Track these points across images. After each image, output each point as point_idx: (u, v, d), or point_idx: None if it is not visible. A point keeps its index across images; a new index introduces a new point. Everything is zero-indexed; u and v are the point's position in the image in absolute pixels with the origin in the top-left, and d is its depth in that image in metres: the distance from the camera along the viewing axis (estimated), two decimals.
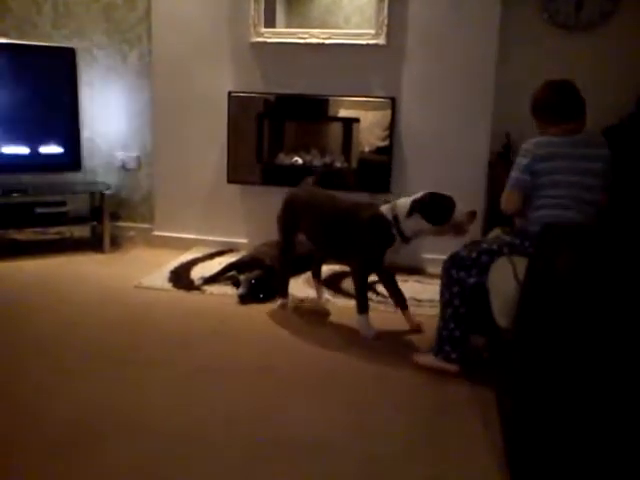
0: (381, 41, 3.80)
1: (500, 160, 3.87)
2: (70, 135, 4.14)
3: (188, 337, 2.77)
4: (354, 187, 3.83)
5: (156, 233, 4.32)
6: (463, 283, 2.39)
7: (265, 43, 3.95)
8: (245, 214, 4.17)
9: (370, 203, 2.89)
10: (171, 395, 2.25)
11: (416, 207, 2.62)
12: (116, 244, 4.25)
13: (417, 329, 2.86)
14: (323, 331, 2.89)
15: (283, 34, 3.95)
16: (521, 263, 2.07)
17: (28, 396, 2.20)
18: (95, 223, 4.14)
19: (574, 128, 2.38)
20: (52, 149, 4.11)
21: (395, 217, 2.68)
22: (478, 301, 2.34)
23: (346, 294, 3.36)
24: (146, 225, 4.40)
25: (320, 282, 3.26)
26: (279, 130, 4.19)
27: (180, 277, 3.57)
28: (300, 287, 3.40)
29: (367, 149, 3.89)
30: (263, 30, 3.95)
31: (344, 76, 3.89)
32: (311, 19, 4.08)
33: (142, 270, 3.67)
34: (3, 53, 3.91)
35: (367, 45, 3.82)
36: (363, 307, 2.83)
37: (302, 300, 3.25)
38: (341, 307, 3.19)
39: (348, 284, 3.51)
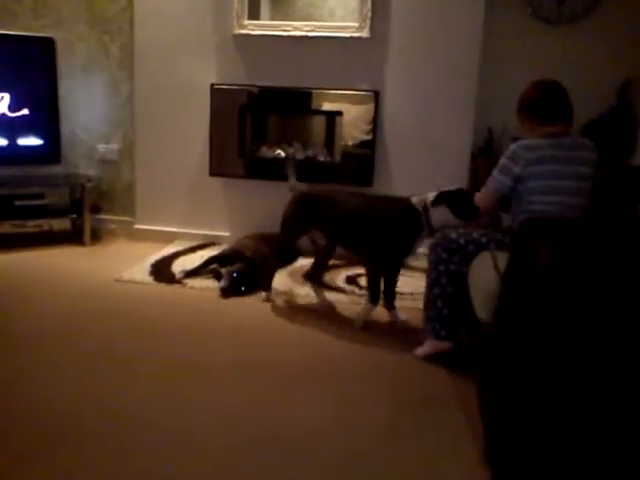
0: (365, 34, 3.78)
1: (482, 154, 3.88)
2: (49, 127, 4.08)
3: (170, 331, 2.74)
4: (337, 180, 3.82)
5: (137, 226, 4.28)
6: (447, 265, 2.41)
7: (248, 35, 3.92)
8: (227, 207, 4.14)
9: (398, 196, 2.87)
10: (155, 390, 2.22)
11: (443, 197, 2.63)
12: (97, 237, 4.20)
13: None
14: (307, 325, 2.88)
15: (266, 26, 3.92)
16: (502, 257, 2.08)
17: (5, 390, 2.17)
18: (75, 216, 4.08)
19: (561, 130, 2.36)
20: (31, 141, 4.05)
21: (425, 208, 2.68)
22: (456, 288, 2.36)
23: (328, 288, 3.35)
24: (127, 218, 4.35)
25: (321, 286, 3.23)
26: (262, 123, 4.17)
27: (161, 270, 3.54)
28: (283, 280, 3.38)
29: (350, 143, 3.88)
30: (246, 22, 3.92)
31: (328, 69, 3.87)
32: (295, 11, 4.05)
33: (123, 263, 3.64)
34: None
35: (351, 38, 3.80)
36: (374, 298, 2.85)
37: (285, 293, 3.24)
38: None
39: (330, 277, 3.51)
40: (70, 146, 4.31)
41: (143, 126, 4.18)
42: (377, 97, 3.80)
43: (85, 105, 4.32)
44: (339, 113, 3.86)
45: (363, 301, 2.91)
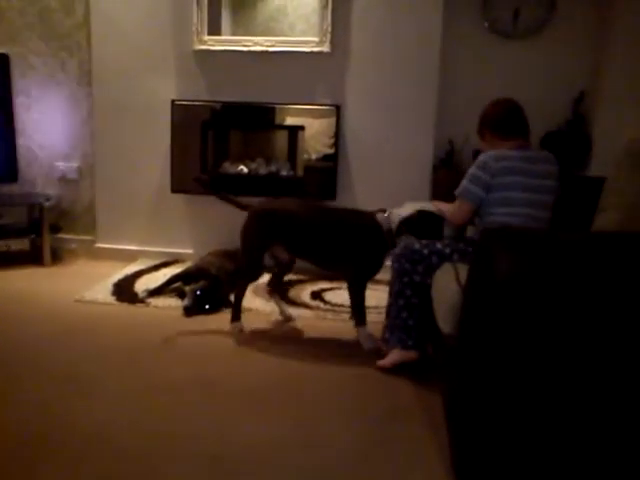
0: (325, 49, 3.81)
1: (444, 166, 3.93)
2: (5, 145, 4.00)
3: (132, 352, 2.69)
4: (300, 194, 3.82)
5: (99, 245, 4.21)
6: (411, 276, 2.41)
7: (209, 51, 3.91)
8: (190, 224, 4.10)
9: (364, 211, 2.82)
10: (116, 412, 2.17)
11: (405, 228, 2.62)
12: (57, 257, 4.11)
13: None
14: (270, 342, 2.85)
15: (227, 42, 3.92)
16: (464, 269, 2.09)
17: None
18: (34, 236, 4.00)
19: (522, 144, 2.44)
20: None
21: (389, 230, 2.67)
22: (420, 299, 2.37)
23: (293, 303, 3.34)
24: (88, 237, 4.28)
25: (280, 296, 3.18)
26: (224, 139, 4.16)
27: (124, 290, 3.48)
28: (247, 297, 3.34)
29: (313, 157, 3.89)
30: (207, 38, 3.91)
31: (289, 84, 3.88)
32: (256, 26, 4.05)
33: (84, 284, 3.56)
34: None
35: (311, 53, 3.82)
36: (363, 318, 2.78)
37: (249, 310, 3.20)
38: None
39: (295, 293, 3.50)
40: (27, 165, 4.24)
41: (103, 143, 4.13)
42: (338, 111, 3.82)
43: (43, 123, 4.25)
44: (301, 128, 3.87)
45: (355, 327, 2.81)
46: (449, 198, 2.59)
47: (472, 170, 2.39)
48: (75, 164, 4.27)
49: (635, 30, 3.57)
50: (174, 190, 4.02)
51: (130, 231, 4.16)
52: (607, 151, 3.50)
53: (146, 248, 4.15)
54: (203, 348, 2.76)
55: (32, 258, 4.01)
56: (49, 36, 4.15)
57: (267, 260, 2.98)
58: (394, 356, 2.50)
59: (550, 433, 1.55)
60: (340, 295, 3.44)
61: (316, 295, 3.48)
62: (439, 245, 2.42)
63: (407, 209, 2.67)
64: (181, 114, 3.95)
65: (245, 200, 3.04)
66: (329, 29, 3.78)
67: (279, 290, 3.18)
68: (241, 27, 4.11)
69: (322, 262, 2.91)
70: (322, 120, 3.85)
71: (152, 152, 4.07)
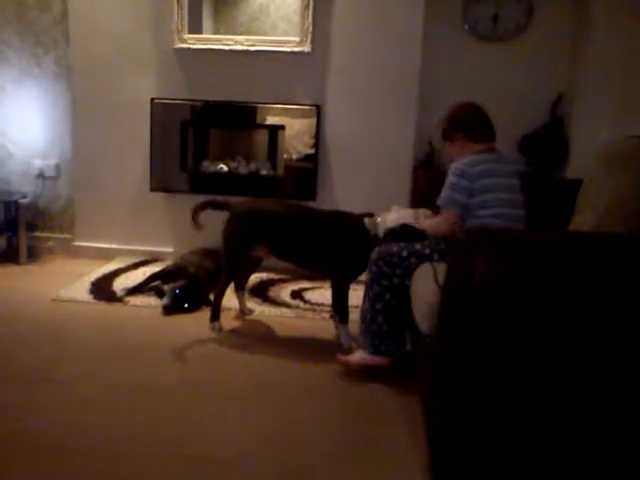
0: (306, 48, 3.80)
1: (423, 167, 3.95)
2: None
3: (110, 351, 2.66)
4: (280, 194, 3.82)
5: (77, 243, 4.17)
6: (390, 279, 2.41)
7: (189, 49, 3.89)
8: (170, 222, 4.07)
9: (352, 214, 2.81)
10: (94, 412, 2.15)
11: (391, 237, 2.63)
12: (34, 256, 4.07)
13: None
14: (251, 342, 2.85)
15: (207, 40, 3.90)
16: (443, 269, 2.10)
17: None
18: (10, 234, 3.95)
19: (491, 147, 2.47)
20: None
21: (376, 235, 2.67)
22: (403, 301, 2.37)
23: (273, 302, 3.34)
24: (66, 235, 4.23)
25: (244, 294, 3.18)
26: (204, 137, 4.13)
27: (102, 289, 3.45)
28: (227, 296, 3.33)
29: (294, 156, 3.88)
30: (187, 36, 3.88)
31: (270, 83, 3.88)
32: (238, 25, 4.04)
33: (61, 282, 3.52)
34: None
35: (292, 52, 3.82)
36: (346, 317, 2.80)
37: (229, 309, 3.19)
38: (268, 316, 3.16)
39: (275, 292, 3.50)
40: (2, 162, 4.17)
41: (82, 140, 4.08)
42: (319, 111, 3.83)
43: (19, 119, 4.19)
44: (281, 127, 3.87)
45: (338, 324, 2.83)
46: (429, 198, 2.60)
47: (452, 179, 2.38)
48: (53, 161, 4.22)
49: (611, 34, 3.62)
50: (153, 188, 4.00)
51: (109, 229, 4.13)
52: (584, 153, 3.55)
53: (125, 246, 4.11)
54: (182, 348, 2.75)
55: (8, 256, 3.96)
56: (25, 31, 4.09)
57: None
58: (362, 357, 2.48)
59: (528, 434, 1.57)
60: (320, 294, 3.45)
61: (296, 294, 3.48)
62: (418, 246, 2.43)
63: (393, 216, 2.68)
64: (161, 112, 3.92)
65: (226, 199, 3.04)
66: (310, 29, 3.78)
67: (243, 287, 3.17)
68: (223, 26, 4.09)
69: (306, 263, 2.90)
70: (303, 120, 3.85)
71: (131, 150, 4.04)
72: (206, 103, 3.91)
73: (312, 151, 3.86)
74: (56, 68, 4.12)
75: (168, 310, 3.11)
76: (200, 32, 3.95)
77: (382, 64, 3.81)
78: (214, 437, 2.03)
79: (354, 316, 2.79)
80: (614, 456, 1.55)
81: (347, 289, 2.79)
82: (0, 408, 2.16)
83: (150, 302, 3.26)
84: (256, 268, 3.16)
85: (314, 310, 3.23)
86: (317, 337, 2.91)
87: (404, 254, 2.40)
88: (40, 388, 2.31)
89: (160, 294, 3.27)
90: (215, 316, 2.94)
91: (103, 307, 3.21)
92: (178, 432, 2.05)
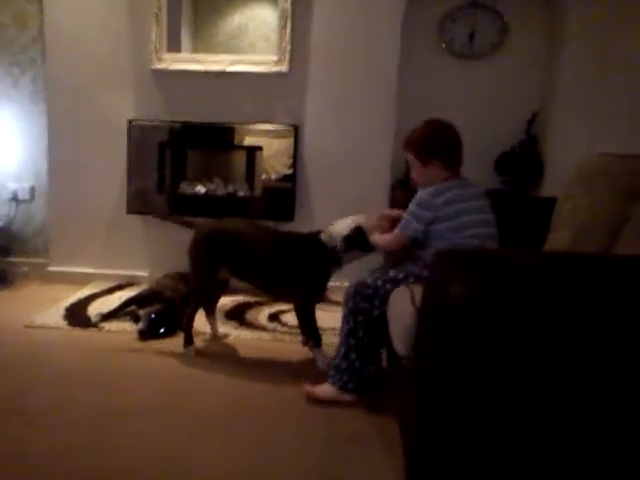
0: (284, 68, 3.81)
1: (401, 186, 3.95)
2: None
3: (85, 378, 2.60)
4: (258, 215, 3.79)
5: (51, 268, 4.09)
6: (368, 313, 2.37)
7: (167, 70, 3.87)
8: (146, 246, 4.02)
9: (308, 233, 2.79)
10: (65, 443, 2.08)
11: (350, 244, 2.63)
12: (7, 281, 3.99)
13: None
14: (227, 366, 2.79)
15: (185, 60, 3.89)
16: (419, 290, 2.08)
17: None
18: None
19: (456, 174, 2.40)
20: None
21: (333, 248, 2.65)
22: (381, 331, 2.33)
23: (250, 326, 3.29)
24: (40, 260, 4.16)
25: (215, 319, 3.12)
26: (181, 159, 4.10)
27: (76, 314, 3.38)
28: (201, 320, 3.28)
29: (272, 177, 3.86)
30: (165, 56, 3.87)
31: (247, 104, 3.87)
32: (217, 44, 4.05)
33: (35, 308, 3.45)
34: None
35: (270, 73, 3.82)
36: (318, 340, 2.75)
37: (204, 333, 3.14)
38: (245, 339, 3.12)
39: (252, 315, 3.45)
40: None
41: (58, 163, 4.03)
42: (297, 131, 3.82)
43: None
44: (259, 148, 3.85)
45: (312, 349, 2.79)
46: None
47: (413, 208, 2.35)
48: (27, 184, 4.17)
49: (584, 53, 3.68)
50: (130, 211, 3.95)
51: (84, 253, 4.06)
52: (559, 171, 3.58)
53: (100, 271, 4.05)
54: (159, 373, 2.69)
55: None
56: (1, 50, 4.06)
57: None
58: (329, 392, 2.43)
59: (506, 454, 1.54)
60: None
61: (274, 317, 3.43)
62: (392, 273, 2.39)
63: (344, 224, 2.67)
64: (138, 134, 3.89)
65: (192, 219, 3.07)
66: (288, 48, 3.79)
67: (213, 312, 3.10)
68: (201, 44, 4.09)
69: (268, 285, 2.87)
70: (280, 140, 3.84)
71: (108, 172, 4.00)
72: (184, 124, 3.89)
73: (290, 171, 3.84)
74: (33, 88, 4.08)
75: (144, 335, 3.05)
76: (179, 51, 3.95)
77: (359, 83, 3.83)
78: (194, 462, 1.98)
79: (330, 338, 2.76)
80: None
81: (313, 310, 2.76)
82: None
83: (125, 327, 3.19)
84: (223, 291, 3.11)
85: (291, 333, 3.19)
86: (295, 360, 2.86)
87: (379, 283, 2.36)
88: (11, 418, 2.23)
89: (136, 319, 3.21)
90: (189, 340, 2.90)
91: (78, 333, 3.14)
92: (156, 458, 1.99)
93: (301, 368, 2.79)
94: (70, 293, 3.74)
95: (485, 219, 2.37)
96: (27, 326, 3.19)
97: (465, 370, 1.52)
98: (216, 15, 4.06)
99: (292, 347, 3.01)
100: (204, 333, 3.12)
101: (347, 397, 2.41)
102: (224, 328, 3.21)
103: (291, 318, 3.41)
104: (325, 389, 2.45)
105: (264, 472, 1.96)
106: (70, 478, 1.89)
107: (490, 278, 1.55)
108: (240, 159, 4.06)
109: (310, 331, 2.76)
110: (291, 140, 3.81)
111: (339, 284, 2.87)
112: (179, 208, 3.91)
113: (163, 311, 3.13)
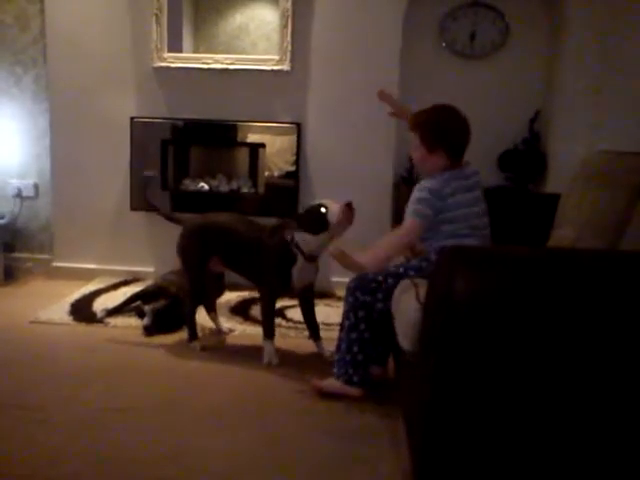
0: (285, 67, 3.83)
1: (405, 183, 3.97)
2: None
3: (90, 374, 2.62)
4: (261, 212, 3.80)
5: (56, 264, 4.11)
6: (370, 307, 2.38)
7: (169, 68, 3.89)
8: (150, 242, 4.04)
9: (276, 225, 2.81)
10: (70, 438, 2.10)
11: (297, 225, 2.66)
12: (12, 277, 4.01)
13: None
14: (231, 361, 2.81)
15: (187, 59, 3.91)
16: (424, 284, 2.10)
17: None
18: None
19: (458, 164, 2.40)
20: None
21: (292, 237, 2.69)
22: (384, 326, 2.35)
23: (255, 321, 3.31)
24: (45, 256, 4.18)
25: (216, 315, 3.16)
26: (184, 156, 4.12)
27: (81, 310, 3.40)
28: (205, 316, 3.30)
29: (275, 174, 3.88)
30: (166, 55, 3.89)
31: (250, 102, 3.89)
32: (218, 44, 4.06)
33: (40, 304, 3.47)
34: None
35: (271, 71, 3.84)
36: (270, 332, 2.79)
37: (209, 329, 3.17)
38: (250, 335, 3.14)
39: (257, 310, 3.46)
40: None
41: (61, 160, 4.05)
42: (299, 129, 3.84)
43: None
44: (262, 145, 3.87)
45: (263, 339, 2.81)
46: None
47: (424, 195, 2.32)
48: (31, 181, 4.18)
49: (585, 51, 3.69)
50: (134, 208, 3.97)
51: (88, 249, 4.08)
52: (562, 168, 3.59)
53: (105, 267, 4.07)
54: (164, 368, 2.71)
55: None
56: (3, 50, 4.07)
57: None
58: (335, 386, 2.45)
59: (511, 450, 1.56)
60: None
61: (278, 312, 3.45)
62: (392, 268, 2.40)
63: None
64: (141, 131, 3.91)
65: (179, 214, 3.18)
66: (289, 47, 3.81)
67: (214, 308, 3.15)
68: (203, 44, 4.11)
69: (248, 275, 2.93)
70: (283, 138, 3.86)
71: (111, 169, 4.01)
72: (186, 122, 3.90)
73: (293, 168, 3.86)
74: (35, 87, 4.10)
75: (149, 331, 3.07)
76: (180, 51, 3.96)
77: (361, 81, 3.83)
78: (198, 458, 2.00)
79: (326, 333, 2.78)
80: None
81: (273, 302, 2.81)
82: None
83: (131, 323, 3.22)
84: (221, 289, 3.18)
85: (296, 328, 3.21)
86: (299, 356, 2.89)
87: (380, 278, 2.35)
88: (16, 413, 2.25)
89: (141, 314, 3.23)
90: (193, 336, 2.94)
91: (83, 328, 3.16)
92: (160, 454, 2.01)
93: (306, 363, 2.82)
94: (75, 289, 3.76)
95: (480, 210, 2.39)
96: (32, 322, 3.21)
97: (470, 366, 1.54)
98: (217, 15, 4.07)
99: (297, 342, 3.03)
100: (210, 328, 3.15)
101: (353, 390, 2.42)
102: (229, 324, 3.23)
103: (295, 314, 3.43)
104: (331, 383, 2.47)
105: (270, 466, 1.98)
106: (74, 474, 1.90)
107: (494, 274, 1.57)
108: (243, 156, 4.07)
109: (264, 320, 2.81)
110: (294, 137, 3.83)
111: (345, 279, 2.88)
112: (182, 205, 3.92)
113: (168, 307, 3.15)
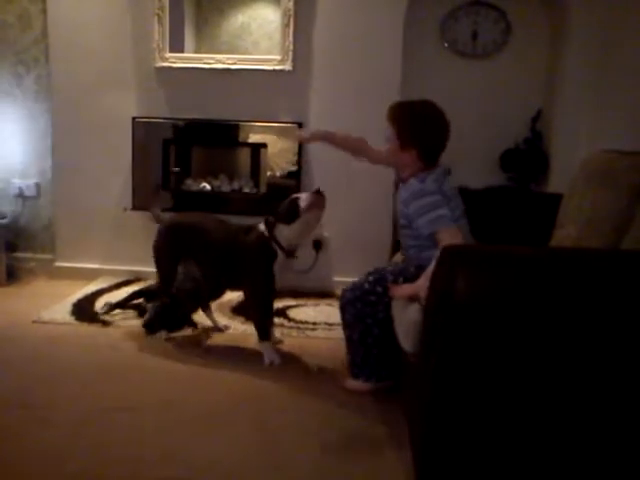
0: (287, 67, 3.82)
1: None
2: None
3: (92, 373, 2.63)
4: (263, 212, 3.79)
5: (58, 264, 4.11)
6: (372, 316, 2.37)
7: (170, 68, 3.89)
8: (152, 241, 4.03)
9: (249, 225, 2.86)
10: (74, 437, 2.11)
11: (275, 218, 2.71)
12: (14, 277, 4.02)
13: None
14: (232, 361, 2.82)
15: (188, 59, 3.91)
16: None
17: None
18: None
19: (434, 165, 2.39)
20: None
21: (271, 233, 2.72)
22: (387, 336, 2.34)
23: None
24: (47, 256, 4.18)
25: (211, 312, 3.18)
26: (186, 156, 4.12)
27: (84, 309, 3.40)
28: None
29: (277, 174, 3.88)
30: (168, 55, 3.89)
31: (251, 102, 3.88)
32: (220, 44, 4.06)
33: (42, 304, 3.47)
34: None
35: (273, 71, 3.83)
36: (264, 333, 2.79)
37: (211, 329, 3.17)
38: (251, 335, 3.11)
39: None
40: None
41: (63, 160, 4.05)
42: (301, 128, 3.83)
43: None
44: (264, 145, 3.87)
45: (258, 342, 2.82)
46: None
47: (431, 199, 2.26)
48: (33, 181, 4.19)
49: (586, 51, 3.69)
50: (135, 207, 3.97)
51: (90, 249, 4.09)
52: (564, 167, 3.59)
53: (107, 266, 4.07)
54: (165, 368, 2.72)
55: None
56: (4, 50, 4.07)
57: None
58: (369, 388, 2.48)
59: (513, 451, 1.56)
60: (304, 312, 3.44)
61: (280, 312, 3.45)
62: (390, 277, 2.36)
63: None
64: (142, 131, 3.91)
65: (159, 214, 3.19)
66: (291, 47, 3.80)
67: (208, 307, 3.17)
68: (205, 44, 4.11)
69: (227, 278, 2.92)
70: (285, 137, 3.85)
71: (113, 169, 4.02)
72: (188, 121, 3.90)
73: (295, 168, 3.86)
74: (37, 87, 4.10)
75: (150, 329, 3.07)
76: (182, 51, 3.96)
77: (363, 81, 3.83)
78: (198, 458, 2.00)
79: (326, 333, 2.78)
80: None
81: (263, 303, 2.81)
82: None
83: (132, 323, 3.22)
84: (214, 291, 3.15)
85: (298, 328, 3.21)
86: (301, 356, 2.88)
87: (379, 289, 2.33)
88: (20, 412, 2.26)
89: (142, 313, 3.24)
90: (154, 329, 3.04)
91: (85, 328, 3.16)
92: (161, 454, 2.02)
93: (308, 362, 2.81)
94: (77, 289, 3.76)
95: (463, 211, 2.40)
96: (34, 321, 3.21)
97: (471, 366, 1.54)
98: (219, 15, 4.07)
99: (298, 342, 3.04)
100: (208, 328, 3.16)
101: (385, 384, 2.47)
102: (231, 323, 3.23)
103: (298, 313, 3.44)
104: (363, 387, 2.49)
105: (269, 465, 1.99)
106: (77, 472, 1.91)
107: (495, 274, 1.56)
108: (245, 156, 4.07)
109: (257, 322, 2.82)
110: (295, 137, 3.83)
111: (346, 279, 2.88)
112: (184, 205, 3.92)
113: (169, 306, 3.15)
